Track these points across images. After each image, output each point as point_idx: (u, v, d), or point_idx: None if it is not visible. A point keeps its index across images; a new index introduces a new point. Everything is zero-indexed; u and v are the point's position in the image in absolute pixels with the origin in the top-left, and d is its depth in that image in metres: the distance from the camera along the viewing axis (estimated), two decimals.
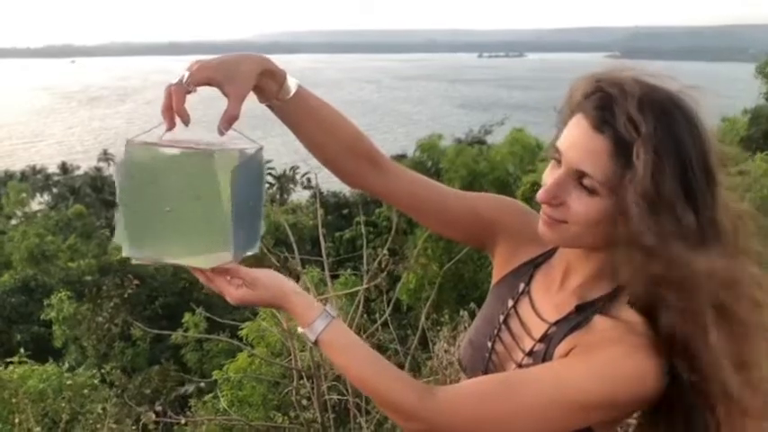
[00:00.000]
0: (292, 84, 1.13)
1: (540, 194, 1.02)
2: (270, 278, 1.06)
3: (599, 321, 1.03)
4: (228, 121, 1.02)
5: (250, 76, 1.05)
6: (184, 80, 1.01)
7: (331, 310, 1.04)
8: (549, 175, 1.03)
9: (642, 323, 0.99)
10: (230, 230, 0.98)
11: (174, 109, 1.00)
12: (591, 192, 0.98)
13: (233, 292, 1.05)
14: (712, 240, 0.96)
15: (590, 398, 0.97)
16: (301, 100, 1.15)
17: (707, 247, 0.95)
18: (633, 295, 0.99)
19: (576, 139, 0.99)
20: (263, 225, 1.10)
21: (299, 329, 1.06)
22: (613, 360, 0.97)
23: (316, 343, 1.04)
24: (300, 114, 1.16)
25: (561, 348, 1.05)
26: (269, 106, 1.14)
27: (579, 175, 0.98)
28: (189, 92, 1.01)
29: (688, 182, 0.94)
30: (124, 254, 1.01)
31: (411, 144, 29.56)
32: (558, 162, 1.02)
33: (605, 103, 0.97)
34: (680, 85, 0.99)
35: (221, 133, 1.01)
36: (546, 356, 1.07)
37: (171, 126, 1.00)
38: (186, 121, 1.00)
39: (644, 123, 0.93)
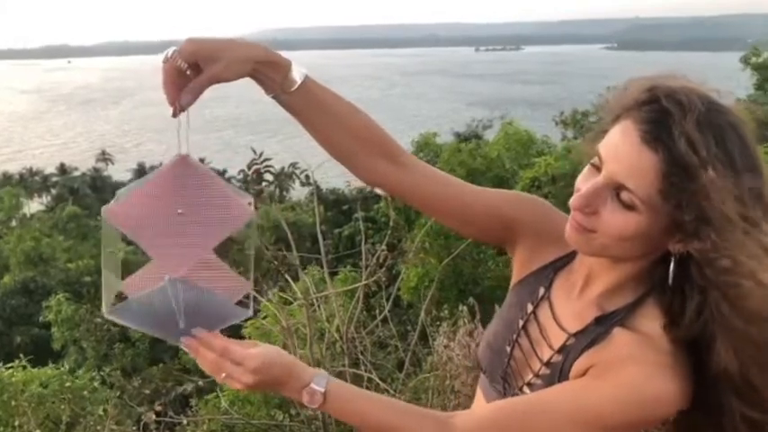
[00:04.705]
0: (297, 75, 1.06)
1: (573, 200, 0.98)
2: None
3: (618, 335, 1.00)
4: (189, 91, 0.99)
5: (238, 61, 1.00)
6: (170, 55, 0.98)
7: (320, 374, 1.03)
8: (584, 181, 0.98)
9: (664, 337, 0.96)
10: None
11: (166, 85, 0.99)
12: (627, 206, 0.93)
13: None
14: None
15: (610, 421, 0.95)
16: (309, 92, 1.08)
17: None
18: (689, 324, 0.94)
19: (623, 152, 0.93)
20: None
21: (304, 393, 1.01)
22: (635, 382, 0.94)
23: (324, 396, 1.00)
24: (310, 107, 1.09)
25: (579, 364, 1.02)
26: (275, 98, 1.08)
27: (618, 188, 0.93)
28: (179, 67, 0.99)
29: (744, 210, 0.90)
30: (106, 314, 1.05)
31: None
32: (597, 168, 0.97)
33: (660, 118, 0.90)
34: (733, 100, 0.96)
35: (179, 108, 1.00)
36: (563, 369, 1.05)
37: (172, 103, 0.99)
38: (174, 104, 0.99)
39: (704, 146, 0.88)
